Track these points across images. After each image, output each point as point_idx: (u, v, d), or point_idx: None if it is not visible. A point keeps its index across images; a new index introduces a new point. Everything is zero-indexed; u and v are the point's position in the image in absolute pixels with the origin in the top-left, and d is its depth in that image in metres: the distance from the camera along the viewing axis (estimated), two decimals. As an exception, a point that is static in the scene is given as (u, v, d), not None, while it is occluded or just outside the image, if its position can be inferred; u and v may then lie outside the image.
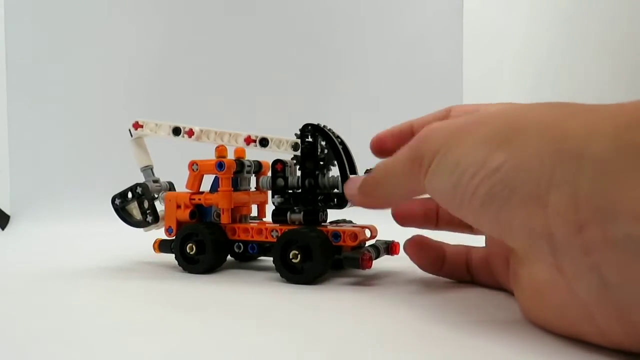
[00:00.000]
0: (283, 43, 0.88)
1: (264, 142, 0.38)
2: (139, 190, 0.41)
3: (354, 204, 0.34)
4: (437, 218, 0.35)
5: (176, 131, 0.41)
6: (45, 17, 0.88)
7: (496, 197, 0.22)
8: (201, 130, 0.40)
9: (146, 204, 0.41)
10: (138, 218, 0.42)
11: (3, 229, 0.80)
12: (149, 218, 0.41)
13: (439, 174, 0.25)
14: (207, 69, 0.88)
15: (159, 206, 0.42)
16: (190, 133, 0.40)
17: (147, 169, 0.43)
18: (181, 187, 0.41)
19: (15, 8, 0.87)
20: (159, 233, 0.42)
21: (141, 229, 0.42)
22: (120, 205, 0.42)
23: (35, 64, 0.88)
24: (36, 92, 0.88)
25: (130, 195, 0.42)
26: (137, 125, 0.42)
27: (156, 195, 0.42)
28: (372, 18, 0.89)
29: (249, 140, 0.39)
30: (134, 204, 0.42)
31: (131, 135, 0.43)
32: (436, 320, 0.26)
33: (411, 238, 0.34)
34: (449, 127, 0.26)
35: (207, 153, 0.41)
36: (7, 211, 0.83)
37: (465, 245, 0.35)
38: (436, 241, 0.35)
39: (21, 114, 0.87)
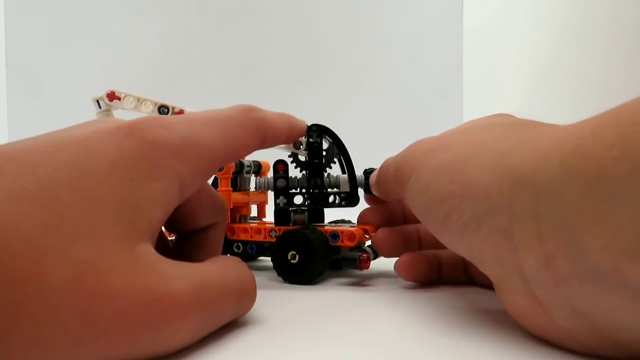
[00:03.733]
0: (281, 45, 0.89)
1: None
2: None
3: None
4: (419, 241, 0.36)
5: (162, 110, 0.37)
6: (45, 17, 0.88)
7: (467, 227, 0.22)
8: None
9: None
10: None
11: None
12: None
13: (413, 194, 0.27)
14: (206, 69, 0.88)
15: None
16: (180, 114, 0.37)
17: None
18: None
19: (15, 8, 0.88)
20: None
21: None
22: None
23: (35, 64, 0.88)
24: (36, 92, 0.88)
25: None
26: (112, 97, 0.37)
27: None
28: (372, 16, 0.89)
29: None
30: None
31: (99, 107, 0.38)
32: (434, 321, 0.26)
33: (399, 260, 0.33)
34: (423, 147, 0.28)
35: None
36: (7, 211, 0.84)
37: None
38: (428, 251, 0.34)
39: (21, 114, 0.88)
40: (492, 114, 0.30)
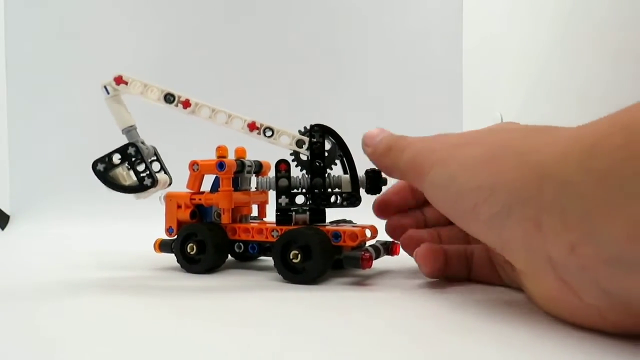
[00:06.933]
0: (282, 43, 0.88)
1: (268, 132, 0.37)
2: (131, 151, 0.36)
3: (364, 152, 0.35)
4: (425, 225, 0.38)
5: (168, 98, 0.37)
6: (45, 16, 0.88)
7: (496, 217, 0.24)
8: (196, 104, 0.37)
9: (142, 167, 0.37)
10: (127, 183, 0.37)
11: (3, 229, 0.80)
12: (147, 181, 0.36)
13: (436, 186, 0.28)
14: (206, 68, 0.88)
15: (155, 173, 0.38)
16: (186, 104, 0.37)
17: (132, 129, 0.38)
18: (181, 187, 0.41)
19: (15, 7, 0.87)
20: (155, 230, 0.41)
21: (133, 195, 0.37)
22: (104, 170, 0.36)
23: (35, 63, 0.88)
24: (36, 92, 0.88)
25: (117, 159, 0.36)
26: (120, 81, 0.37)
27: (149, 159, 0.38)
28: (372, 17, 0.89)
29: (252, 127, 0.37)
30: (122, 169, 0.37)
31: (107, 93, 0.37)
32: (437, 320, 0.26)
33: (421, 248, 0.34)
34: (446, 141, 0.29)
35: (207, 153, 0.41)
36: (7, 211, 0.83)
37: (463, 244, 0.35)
38: (439, 245, 0.35)
39: (21, 114, 0.87)
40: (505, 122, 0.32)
